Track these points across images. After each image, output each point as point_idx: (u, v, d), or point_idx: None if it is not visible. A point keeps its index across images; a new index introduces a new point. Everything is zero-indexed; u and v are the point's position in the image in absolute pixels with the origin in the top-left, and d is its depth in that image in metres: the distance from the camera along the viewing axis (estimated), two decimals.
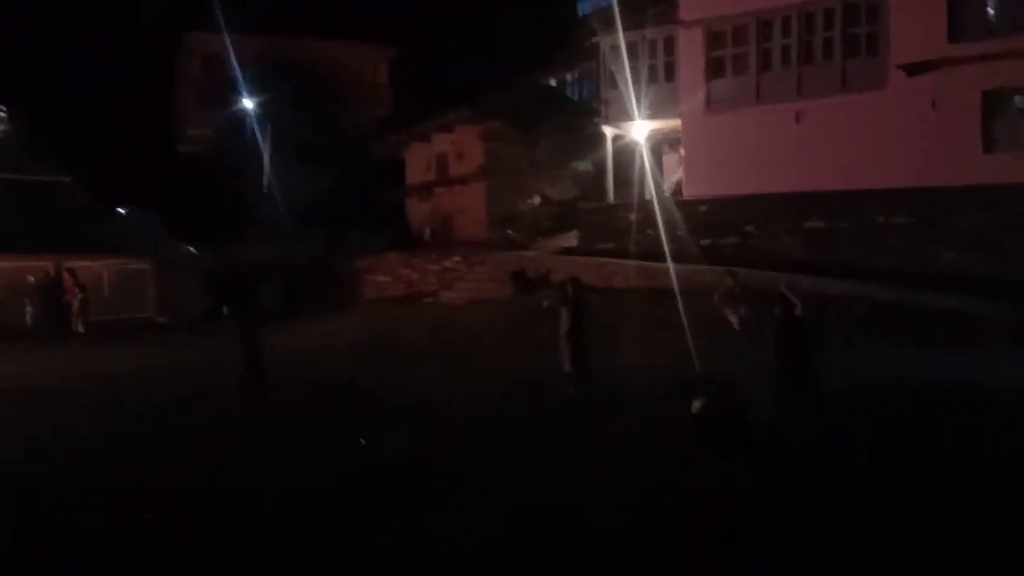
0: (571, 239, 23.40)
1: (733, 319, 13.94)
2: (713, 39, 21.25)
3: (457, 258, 24.53)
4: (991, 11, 18.31)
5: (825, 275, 16.49)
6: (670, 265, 17.19)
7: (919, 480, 6.85)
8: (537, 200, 26.64)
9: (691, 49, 21.45)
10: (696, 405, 6.93)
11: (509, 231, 25.19)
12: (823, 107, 19.42)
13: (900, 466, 7.25)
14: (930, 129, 18.25)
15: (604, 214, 22.67)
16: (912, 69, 18.41)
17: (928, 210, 17.48)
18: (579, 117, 26.15)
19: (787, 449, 7.67)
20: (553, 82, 32.25)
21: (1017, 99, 18.16)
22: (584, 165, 26.42)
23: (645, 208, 20.90)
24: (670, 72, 22.12)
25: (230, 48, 28.74)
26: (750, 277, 16.74)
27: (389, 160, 30.79)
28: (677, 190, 22.68)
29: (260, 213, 27.06)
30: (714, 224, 19.90)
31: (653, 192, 21.99)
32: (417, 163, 29.89)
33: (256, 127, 29.82)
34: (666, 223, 19.38)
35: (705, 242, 19.61)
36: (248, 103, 30.22)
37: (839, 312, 13.83)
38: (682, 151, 22.39)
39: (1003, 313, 13.92)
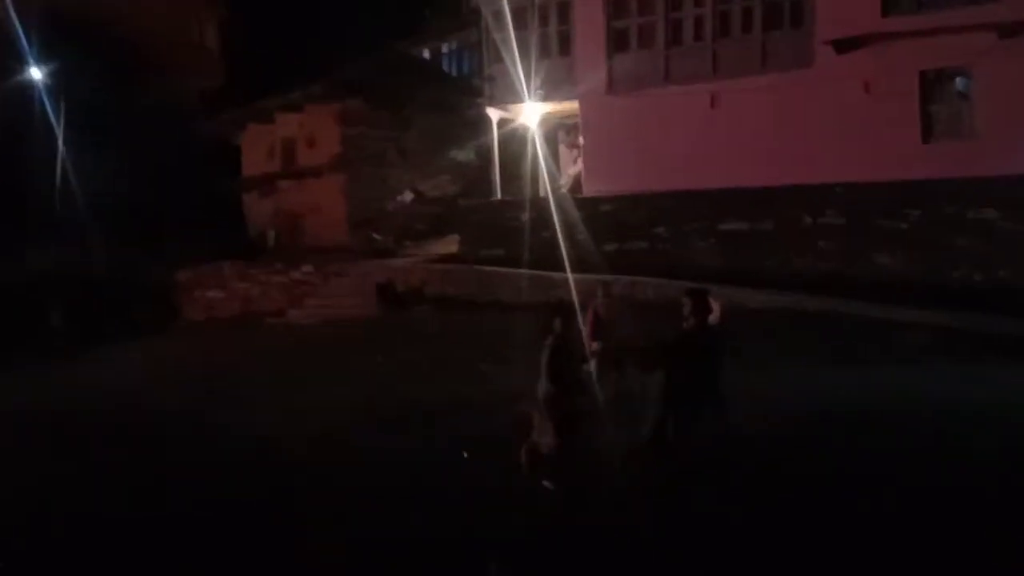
0: (451, 244, 23.85)
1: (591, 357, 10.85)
2: (615, 6, 22.24)
3: (309, 268, 24.59)
4: None
5: (745, 285, 17.59)
6: (569, 275, 17.83)
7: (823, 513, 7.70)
8: (409, 197, 26.96)
9: (589, 17, 22.37)
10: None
11: (374, 235, 25.49)
12: (741, 89, 20.65)
13: (814, 500, 8.07)
14: (863, 115, 19.70)
15: (490, 214, 23.26)
16: (841, 45, 19.83)
17: (861, 209, 18.86)
18: (459, 96, 26.71)
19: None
20: (427, 54, 32.73)
21: (958, 81, 19.87)
22: (466, 154, 26.99)
23: (539, 207, 21.61)
24: (565, 44, 23.00)
25: (8, 4, 27.86)
26: (659, 288, 17.75)
27: (221, 144, 30.41)
28: (575, 185, 23.55)
29: (48, 212, 26.29)
30: (619, 226, 20.81)
31: (548, 188, 22.77)
32: (257, 149, 29.64)
33: (45, 102, 28.98)
34: (564, 225, 20.12)
35: (609, 247, 20.49)
36: (32, 73, 29.30)
37: (759, 326, 14.86)
38: (581, 139, 23.30)
39: (938, 321, 15.32)
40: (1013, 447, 9.46)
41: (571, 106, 23.15)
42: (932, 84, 19.77)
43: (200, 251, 26.39)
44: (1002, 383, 12.27)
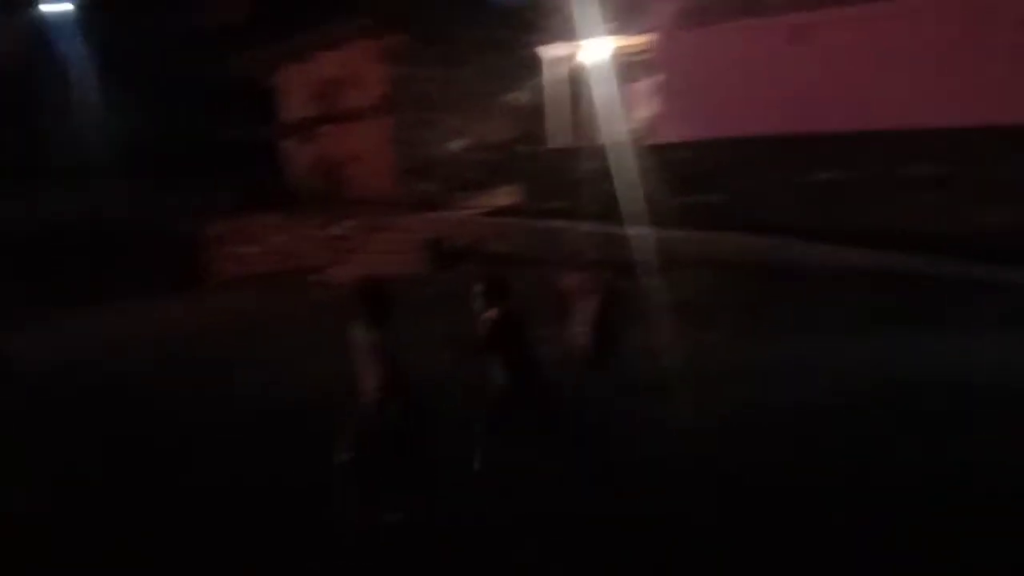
0: (508, 196, 24.19)
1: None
2: None
3: (351, 222, 25.04)
4: None
5: (836, 242, 17.82)
6: (643, 231, 17.96)
7: None
8: (461, 143, 27.17)
9: None
10: None
11: (424, 185, 25.73)
12: (829, 22, 20.46)
13: None
14: (971, 46, 19.34)
15: (551, 162, 23.51)
16: None
17: (968, 158, 18.77)
18: (511, 31, 26.66)
19: None
20: None
21: None
22: (523, 96, 27.02)
23: (605, 154, 21.70)
24: None
25: None
26: (741, 245, 17.96)
27: (255, 86, 30.73)
28: (646, 131, 23.59)
29: (64, 155, 26.83)
30: (695, 176, 20.86)
31: (615, 133, 22.77)
32: (296, 91, 29.95)
33: (64, 40, 29.50)
34: (634, 174, 20.31)
35: (685, 199, 20.63)
36: (46, 8, 29.77)
37: (854, 290, 15.13)
38: (651, 79, 23.31)
39: None
40: None
41: (639, 41, 23.13)
42: None
43: (233, 202, 26.91)
44: None
